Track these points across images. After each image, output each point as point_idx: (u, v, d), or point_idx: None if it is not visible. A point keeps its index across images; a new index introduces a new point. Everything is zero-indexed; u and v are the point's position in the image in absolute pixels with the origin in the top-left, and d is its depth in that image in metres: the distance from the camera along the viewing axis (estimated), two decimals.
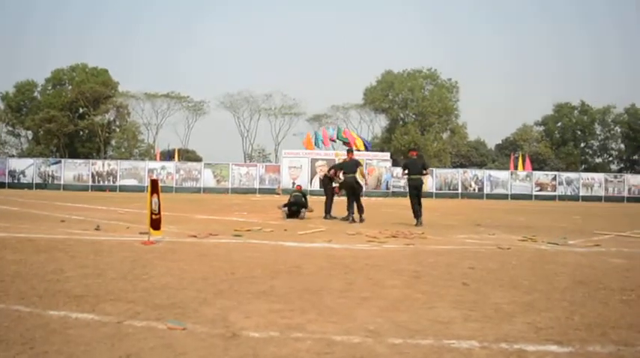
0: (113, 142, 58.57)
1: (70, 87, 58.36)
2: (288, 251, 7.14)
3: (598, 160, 66.39)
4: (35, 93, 59.47)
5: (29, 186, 36.80)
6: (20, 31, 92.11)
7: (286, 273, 5.36)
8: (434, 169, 42.44)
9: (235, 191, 37.83)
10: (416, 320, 3.65)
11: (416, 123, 58.87)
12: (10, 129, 58.60)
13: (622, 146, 66.05)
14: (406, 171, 12.44)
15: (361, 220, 12.29)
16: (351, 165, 12.76)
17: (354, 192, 12.63)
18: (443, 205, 25.23)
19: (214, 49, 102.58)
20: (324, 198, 14.02)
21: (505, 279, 5.28)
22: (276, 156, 61.68)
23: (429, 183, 39.56)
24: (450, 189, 40.29)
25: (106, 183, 37.97)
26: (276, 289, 4.60)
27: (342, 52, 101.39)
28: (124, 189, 36.95)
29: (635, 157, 65.15)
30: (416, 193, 12.11)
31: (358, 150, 38.56)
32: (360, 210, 12.53)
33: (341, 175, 12.95)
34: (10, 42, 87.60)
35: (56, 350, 2.92)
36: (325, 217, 13.07)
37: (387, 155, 41.27)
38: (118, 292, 4.33)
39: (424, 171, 12.34)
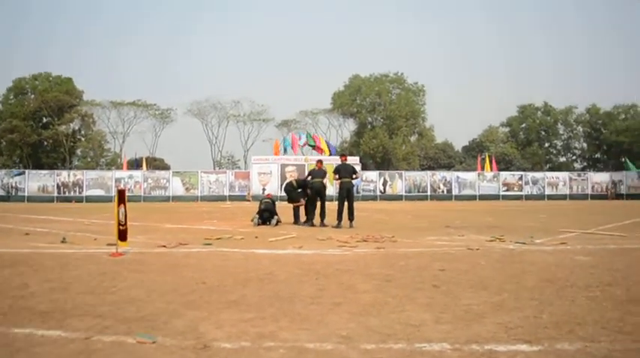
0: (79, 152, 57.60)
1: (32, 96, 57.04)
2: (259, 258, 7.09)
3: (562, 159, 68.08)
4: None
5: None
6: None
7: (257, 281, 5.33)
8: (403, 172, 42.90)
9: (205, 198, 37.48)
10: (388, 325, 3.66)
11: (384, 127, 59.39)
12: None
13: (584, 145, 67.93)
14: (337, 176, 12.97)
15: (322, 225, 12.61)
16: (319, 173, 13.36)
17: (321, 196, 13.08)
18: (412, 207, 25.44)
19: (181, 57, 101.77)
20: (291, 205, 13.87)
21: (475, 280, 5.34)
22: (246, 162, 61.47)
23: (399, 185, 40.07)
24: (419, 192, 40.69)
25: (72, 193, 37.21)
26: (248, 298, 4.56)
27: (309, 57, 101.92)
28: (90, 199, 36.24)
29: (598, 156, 67.00)
30: (346, 195, 12.76)
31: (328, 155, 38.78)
32: (323, 215, 12.89)
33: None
34: None
35: None
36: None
37: (356, 159, 41.46)
38: (86, 306, 4.23)
39: (354, 176, 13.05)
